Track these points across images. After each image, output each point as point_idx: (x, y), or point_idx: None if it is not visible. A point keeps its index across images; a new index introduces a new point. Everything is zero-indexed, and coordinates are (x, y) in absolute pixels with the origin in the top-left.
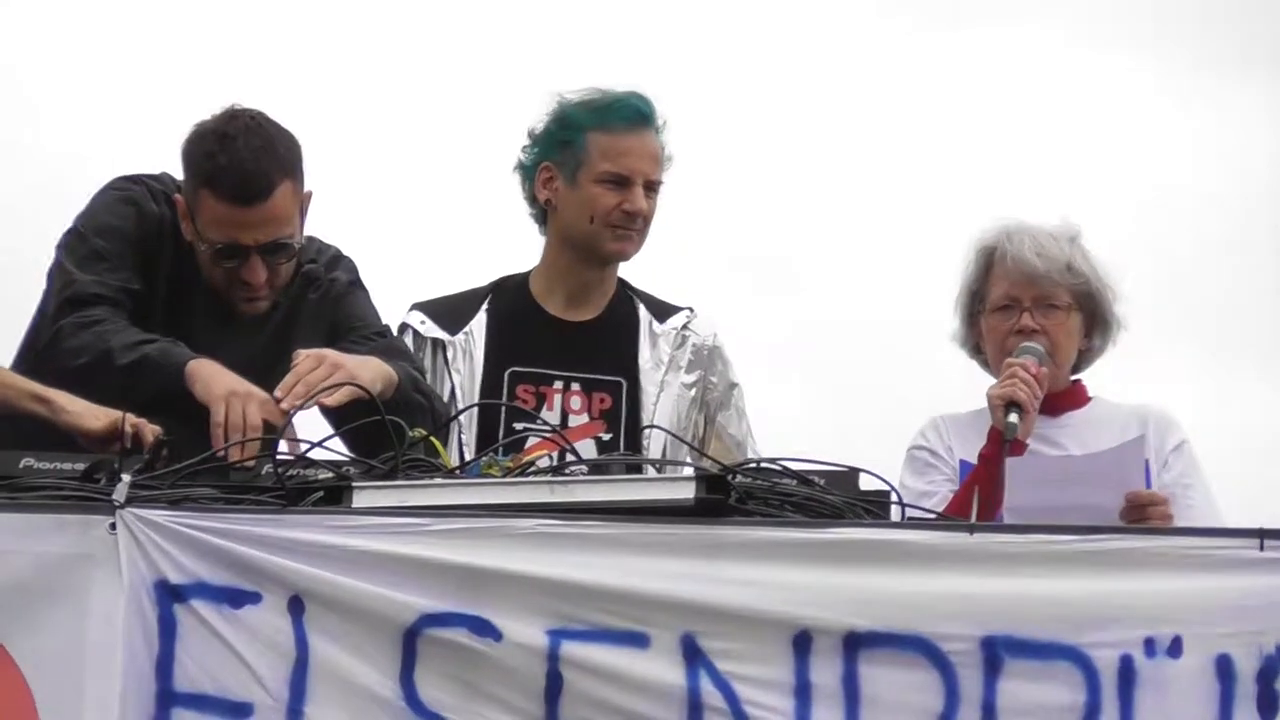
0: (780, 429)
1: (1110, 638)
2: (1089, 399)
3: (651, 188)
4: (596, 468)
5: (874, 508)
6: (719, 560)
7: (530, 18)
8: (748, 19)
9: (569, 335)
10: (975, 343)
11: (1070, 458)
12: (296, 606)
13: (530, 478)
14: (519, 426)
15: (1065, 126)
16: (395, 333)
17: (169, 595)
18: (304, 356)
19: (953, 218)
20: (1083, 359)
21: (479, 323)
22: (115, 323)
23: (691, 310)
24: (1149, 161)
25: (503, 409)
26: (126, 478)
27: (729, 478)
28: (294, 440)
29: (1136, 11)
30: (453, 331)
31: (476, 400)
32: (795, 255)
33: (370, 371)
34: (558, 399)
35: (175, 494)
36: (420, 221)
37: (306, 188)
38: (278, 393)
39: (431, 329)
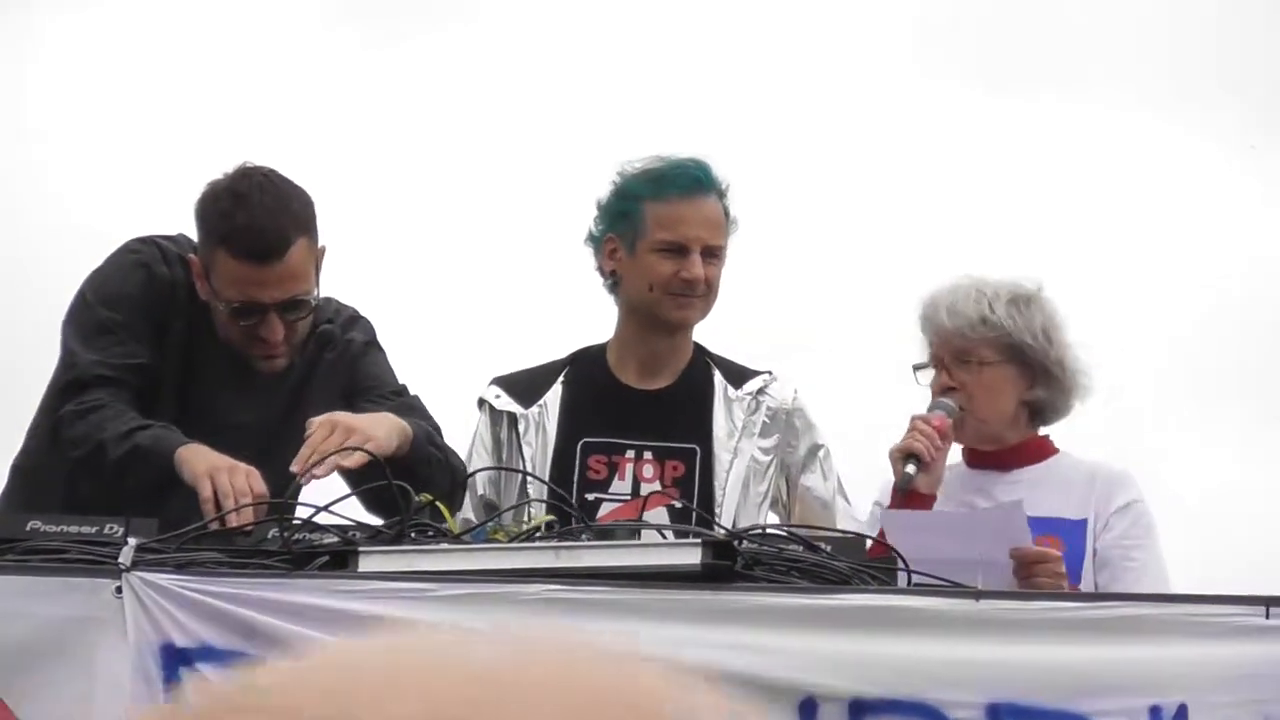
0: None
1: (1116, 705)
2: (1051, 453)
3: (712, 253)
4: (602, 533)
5: (880, 574)
6: (724, 626)
7: (591, 85)
8: (786, 83)
9: (642, 404)
10: None
11: (948, 513)
12: None
13: (535, 543)
14: (590, 497)
15: (1124, 190)
16: (477, 403)
17: (175, 659)
18: (317, 425)
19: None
20: (1038, 412)
21: (554, 395)
22: (113, 408)
23: (770, 374)
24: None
25: (522, 474)
26: (133, 541)
27: (735, 543)
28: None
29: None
30: (526, 405)
31: (547, 474)
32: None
33: (385, 430)
34: (629, 468)
35: (181, 557)
36: (503, 293)
37: (321, 243)
38: (293, 466)
39: (506, 402)
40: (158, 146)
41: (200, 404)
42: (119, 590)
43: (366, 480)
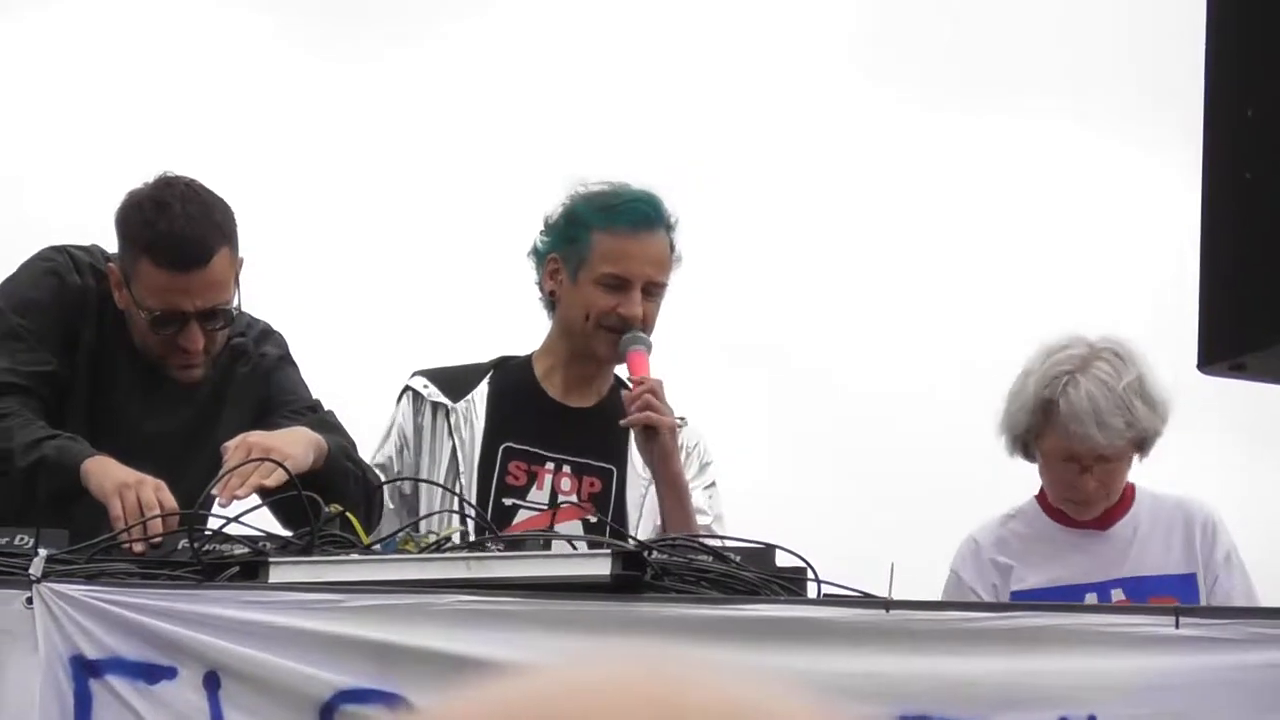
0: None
1: (1025, 717)
2: (1132, 494)
3: (652, 291)
4: (513, 544)
5: (790, 585)
6: (634, 637)
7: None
8: (741, 102)
9: (566, 420)
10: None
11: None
12: (212, 682)
13: (446, 554)
14: (507, 502)
15: (1067, 208)
16: (396, 397)
17: (85, 670)
18: (233, 448)
19: (946, 298)
20: None
21: (481, 393)
22: (21, 416)
23: (684, 419)
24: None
25: (446, 492)
26: (43, 552)
27: (645, 554)
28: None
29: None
30: (455, 399)
31: (475, 471)
32: (786, 339)
33: (300, 445)
34: (548, 479)
35: (92, 568)
36: (423, 298)
37: (240, 254)
38: (214, 490)
39: (435, 393)
40: (104, 155)
41: (110, 414)
42: (29, 601)
43: (278, 492)
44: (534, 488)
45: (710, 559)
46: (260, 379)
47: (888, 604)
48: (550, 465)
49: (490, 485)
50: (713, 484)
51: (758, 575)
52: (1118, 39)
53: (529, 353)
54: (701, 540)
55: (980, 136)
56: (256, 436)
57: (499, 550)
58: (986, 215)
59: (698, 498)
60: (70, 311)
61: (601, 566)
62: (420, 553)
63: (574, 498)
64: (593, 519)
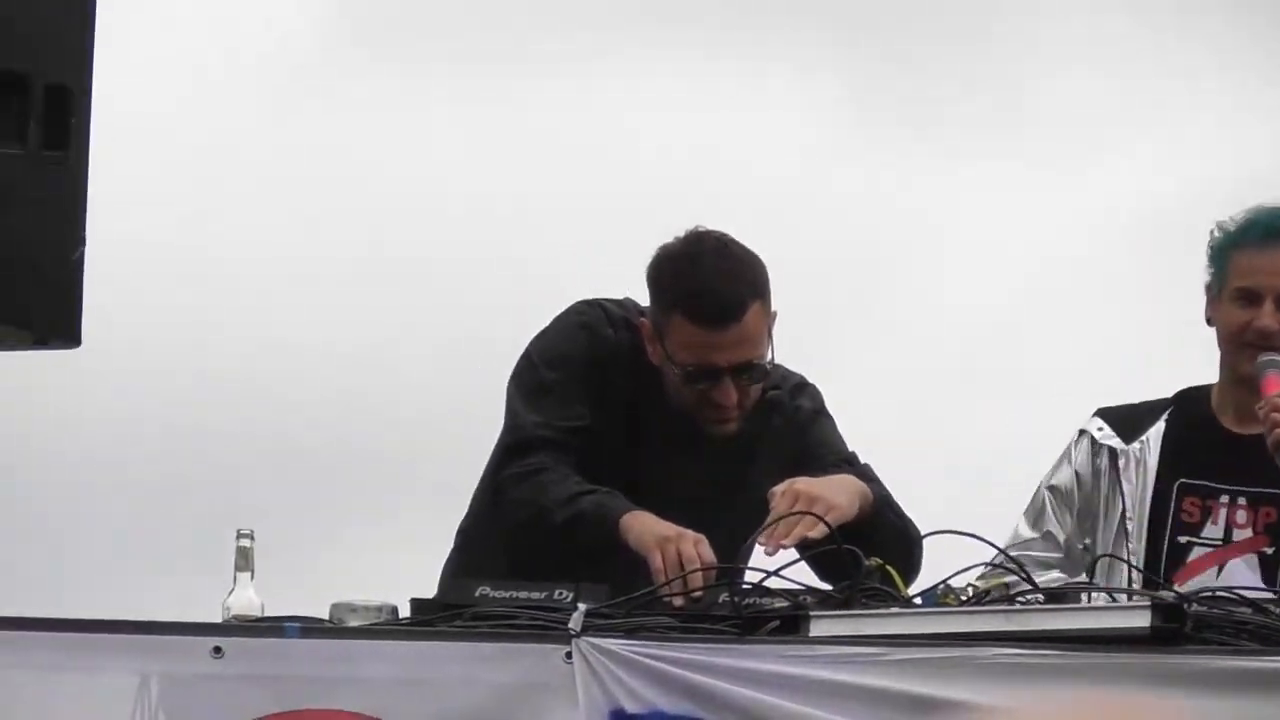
0: None
1: None
2: None
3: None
4: (1053, 595)
5: None
6: (1174, 689)
7: None
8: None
9: (1239, 449)
10: None
11: None
12: None
13: (986, 606)
14: (1182, 540)
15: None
16: (1074, 437)
17: None
18: (780, 495)
19: None
20: None
21: (1156, 432)
22: (555, 471)
23: None
24: None
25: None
26: (582, 606)
27: (1184, 606)
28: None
29: None
30: (1128, 440)
31: (1146, 513)
32: None
33: (847, 494)
34: (1223, 513)
35: (631, 623)
36: None
37: (773, 308)
38: (761, 539)
39: (1108, 436)
40: None
41: (645, 468)
42: (569, 656)
43: (817, 546)
44: (1208, 523)
45: (1249, 610)
46: (795, 432)
47: None
48: (1225, 498)
49: (1165, 525)
50: None
51: None
52: None
53: (1210, 384)
54: (1241, 593)
55: None
56: (804, 484)
57: (1038, 602)
58: None
59: None
60: (602, 365)
61: (1140, 619)
62: (960, 605)
63: (1249, 530)
64: (1269, 551)
